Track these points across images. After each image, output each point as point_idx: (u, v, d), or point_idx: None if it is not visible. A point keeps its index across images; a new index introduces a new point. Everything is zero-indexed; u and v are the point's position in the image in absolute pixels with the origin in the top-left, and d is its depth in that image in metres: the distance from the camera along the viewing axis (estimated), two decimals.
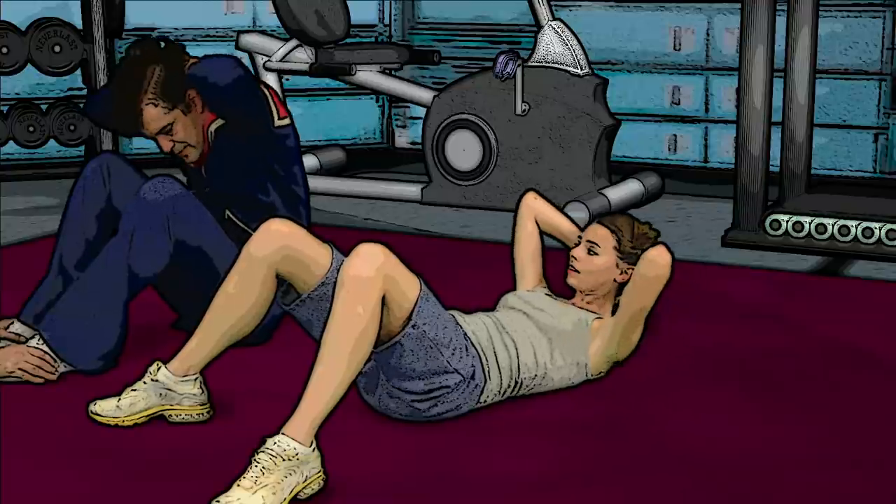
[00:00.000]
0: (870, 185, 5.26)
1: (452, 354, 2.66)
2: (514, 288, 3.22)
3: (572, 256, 3.06)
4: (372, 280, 2.42)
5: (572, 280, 3.05)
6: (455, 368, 2.67)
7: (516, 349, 2.84)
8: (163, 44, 3.18)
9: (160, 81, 3.13)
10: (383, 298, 2.45)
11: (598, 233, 3.04)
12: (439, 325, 2.63)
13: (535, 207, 3.29)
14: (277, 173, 3.32)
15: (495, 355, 2.79)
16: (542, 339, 2.89)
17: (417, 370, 2.63)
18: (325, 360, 2.36)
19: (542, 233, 3.28)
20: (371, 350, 2.44)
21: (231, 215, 3.28)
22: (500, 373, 2.79)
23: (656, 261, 2.80)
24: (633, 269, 2.93)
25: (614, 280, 3.02)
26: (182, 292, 3.23)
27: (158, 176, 3.09)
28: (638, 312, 2.86)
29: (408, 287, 2.55)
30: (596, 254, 3.02)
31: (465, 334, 2.75)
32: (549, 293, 3.15)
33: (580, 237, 3.09)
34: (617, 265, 3.01)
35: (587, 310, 3.02)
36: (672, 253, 2.83)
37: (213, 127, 3.29)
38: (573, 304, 3.06)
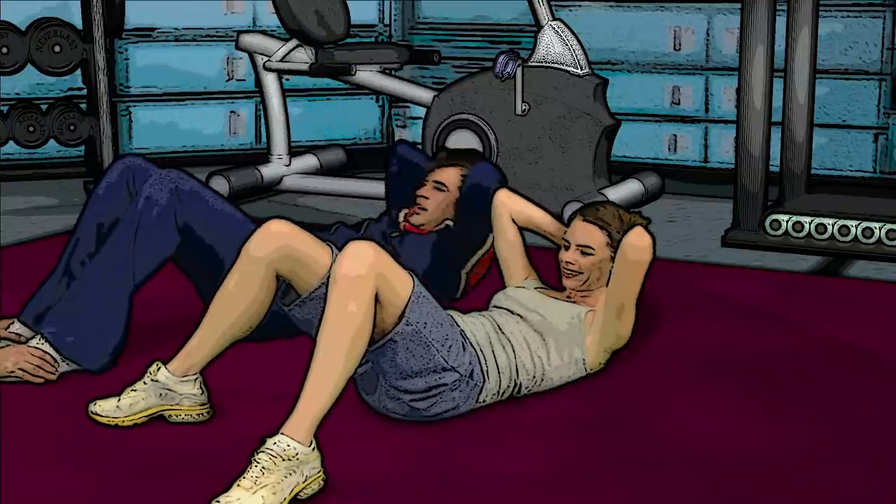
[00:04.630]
0: (870, 185, 5.25)
1: (448, 352, 2.66)
2: (503, 286, 3.20)
3: (566, 262, 3.00)
4: (363, 278, 2.42)
5: (569, 283, 3.01)
6: (452, 366, 2.67)
7: (514, 351, 2.84)
8: None
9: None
10: (376, 296, 2.46)
11: (588, 234, 2.99)
12: (433, 322, 2.63)
13: (509, 205, 3.25)
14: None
15: (494, 355, 2.79)
16: (537, 341, 2.88)
17: (413, 368, 2.63)
18: (321, 359, 2.36)
19: (522, 228, 3.25)
20: (366, 348, 2.44)
21: None
22: (498, 373, 2.79)
23: (636, 245, 2.79)
24: None
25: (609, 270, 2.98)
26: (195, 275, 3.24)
27: (167, 168, 3.09)
28: (626, 301, 2.85)
29: (400, 284, 2.55)
30: (589, 254, 2.99)
31: (463, 333, 2.75)
32: (540, 285, 3.13)
33: (566, 239, 3.04)
34: (611, 258, 2.96)
35: (580, 303, 3.00)
36: (652, 234, 2.82)
37: (444, 223, 3.51)
38: (567, 297, 3.03)
